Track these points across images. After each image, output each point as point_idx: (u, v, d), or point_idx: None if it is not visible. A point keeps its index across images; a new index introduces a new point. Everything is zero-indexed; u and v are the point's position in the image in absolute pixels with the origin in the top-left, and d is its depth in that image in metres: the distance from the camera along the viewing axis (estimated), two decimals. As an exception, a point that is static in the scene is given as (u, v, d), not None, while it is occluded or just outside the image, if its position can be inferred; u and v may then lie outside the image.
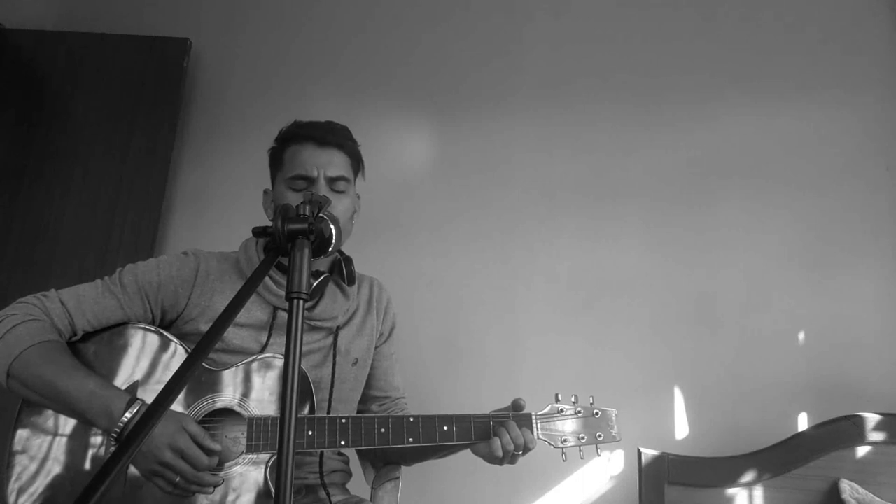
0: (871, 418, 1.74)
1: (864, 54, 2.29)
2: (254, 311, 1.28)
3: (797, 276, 2.16)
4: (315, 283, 1.28)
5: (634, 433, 1.99)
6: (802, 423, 2.04)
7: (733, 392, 2.10)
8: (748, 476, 1.72)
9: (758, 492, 1.72)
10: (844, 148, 2.23)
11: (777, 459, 1.73)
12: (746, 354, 2.12)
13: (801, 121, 2.27)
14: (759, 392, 2.08)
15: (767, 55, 2.33)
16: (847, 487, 1.65)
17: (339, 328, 1.37)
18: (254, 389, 1.19)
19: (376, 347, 1.48)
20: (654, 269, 2.22)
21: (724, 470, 1.74)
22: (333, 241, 0.92)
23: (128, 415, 1.07)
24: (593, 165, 2.34)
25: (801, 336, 2.12)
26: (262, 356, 1.22)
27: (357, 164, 1.41)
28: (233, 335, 1.26)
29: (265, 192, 1.42)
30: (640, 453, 1.74)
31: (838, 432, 1.74)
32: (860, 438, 1.72)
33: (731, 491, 1.72)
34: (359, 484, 1.51)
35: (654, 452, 1.74)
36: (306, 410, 1.19)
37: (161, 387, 0.74)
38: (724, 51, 2.36)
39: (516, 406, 1.22)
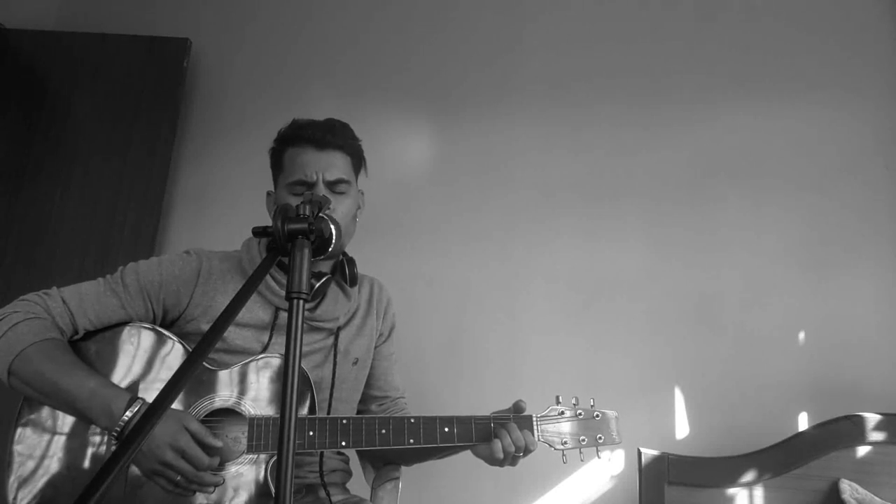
0: (871, 418, 1.74)
1: (864, 54, 2.29)
2: (256, 311, 1.28)
3: (797, 276, 2.16)
4: (317, 285, 1.28)
5: (635, 433, 1.99)
6: (802, 423, 2.04)
7: (733, 392, 2.10)
8: (748, 476, 1.72)
9: (758, 492, 1.72)
10: (844, 148, 2.23)
11: (777, 459, 1.73)
12: (746, 354, 2.12)
13: (801, 121, 2.27)
14: (759, 392, 2.08)
15: (767, 55, 2.33)
16: (847, 487, 1.65)
17: (339, 328, 1.37)
18: (254, 389, 1.19)
19: (376, 347, 1.48)
20: (654, 269, 2.22)
21: (724, 470, 1.74)
22: (333, 241, 0.92)
23: (128, 414, 1.07)
24: (593, 165, 2.34)
25: (801, 336, 2.12)
26: (262, 356, 1.22)
27: (358, 162, 1.41)
28: (234, 335, 1.26)
29: (268, 193, 1.42)
30: (640, 453, 1.74)
31: (838, 432, 1.74)
32: (860, 438, 1.72)
33: (731, 491, 1.72)
34: (359, 483, 1.51)
35: (654, 452, 1.74)
36: (306, 410, 1.19)
37: (162, 386, 0.74)
38: (724, 51, 2.36)
39: (517, 408, 1.22)
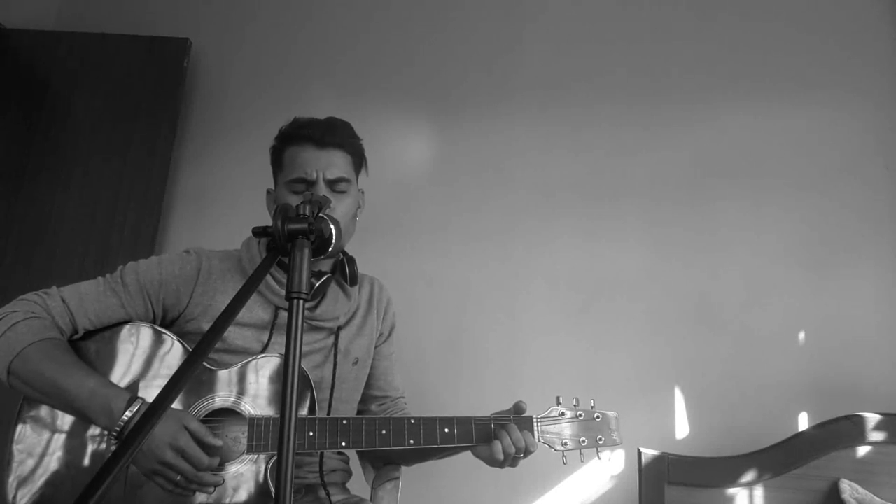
0: (871, 418, 1.74)
1: (864, 54, 2.29)
2: (256, 310, 1.28)
3: (797, 276, 2.16)
4: (317, 284, 1.28)
5: (635, 433, 1.99)
6: (802, 423, 2.04)
7: (733, 392, 2.10)
8: (748, 476, 1.72)
9: (758, 492, 1.72)
10: (844, 148, 2.23)
11: (777, 459, 1.73)
12: (746, 354, 2.12)
13: (801, 121, 2.27)
14: (759, 392, 2.08)
15: (767, 55, 2.33)
16: (847, 487, 1.65)
17: (339, 328, 1.37)
18: (253, 389, 1.19)
19: (376, 347, 1.48)
20: (654, 269, 2.22)
21: (724, 470, 1.74)
22: (333, 240, 0.92)
23: (128, 413, 1.07)
24: (593, 165, 2.34)
25: (801, 336, 2.12)
26: (262, 356, 1.22)
27: (359, 160, 1.40)
28: (235, 335, 1.26)
29: (268, 191, 1.42)
30: (640, 453, 1.74)
31: (838, 432, 1.74)
32: (860, 438, 1.72)
33: (731, 491, 1.72)
34: (359, 483, 1.51)
35: (654, 452, 1.74)
36: (306, 410, 1.18)
37: (162, 385, 0.73)
38: (723, 51, 2.36)
39: (517, 409, 1.22)
